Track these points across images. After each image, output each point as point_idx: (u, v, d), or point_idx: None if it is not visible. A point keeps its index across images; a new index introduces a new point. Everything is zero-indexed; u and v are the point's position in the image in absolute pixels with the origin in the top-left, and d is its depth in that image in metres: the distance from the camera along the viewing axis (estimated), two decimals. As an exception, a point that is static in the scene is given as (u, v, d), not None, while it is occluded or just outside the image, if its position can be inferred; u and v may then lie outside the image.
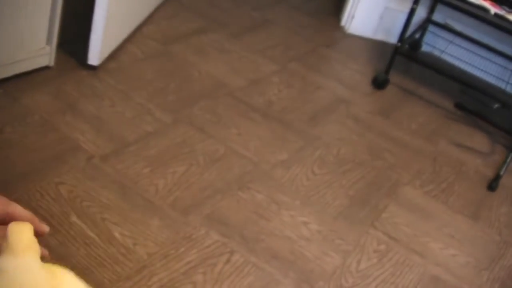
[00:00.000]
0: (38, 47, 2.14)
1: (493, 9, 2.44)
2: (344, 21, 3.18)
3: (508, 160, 2.37)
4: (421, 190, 2.18)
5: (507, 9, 2.46)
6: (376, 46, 3.13)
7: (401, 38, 2.65)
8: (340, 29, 3.21)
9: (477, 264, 1.92)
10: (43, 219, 1.62)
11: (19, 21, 1.98)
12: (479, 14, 2.48)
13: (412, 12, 2.61)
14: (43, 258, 0.72)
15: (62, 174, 1.80)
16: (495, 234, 2.07)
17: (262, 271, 1.66)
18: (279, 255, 1.73)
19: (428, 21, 3.02)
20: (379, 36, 3.15)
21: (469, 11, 2.49)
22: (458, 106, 2.72)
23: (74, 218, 1.68)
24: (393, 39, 3.02)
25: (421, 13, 2.92)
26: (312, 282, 1.68)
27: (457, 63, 2.91)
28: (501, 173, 2.31)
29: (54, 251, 1.56)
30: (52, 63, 2.22)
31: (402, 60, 2.80)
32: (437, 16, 3.03)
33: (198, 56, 2.58)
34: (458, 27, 3.00)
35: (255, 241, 1.74)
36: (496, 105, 2.49)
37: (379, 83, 2.72)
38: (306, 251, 1.77)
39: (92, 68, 2.28)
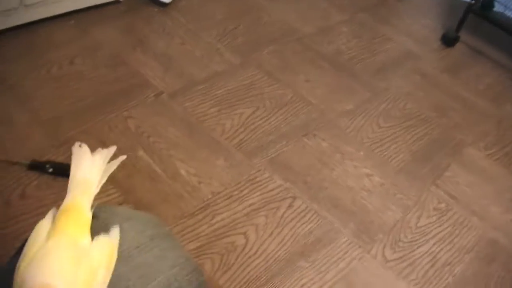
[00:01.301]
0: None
1: None
2: (417, -27, 3.10)
3: None
4: (484, 152, 2.15)
5: None
6: (447, 2, 3.06)
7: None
8: (412, -18, 3.14)
9: (537, 230, 1.90)
10: (112, 150, 1.65)
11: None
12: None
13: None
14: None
15: (130, 108, 1.83)
16: (558, 202, 2.04)
17: (323, 219, 1.68)
18: (341, 204, 1.73)
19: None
20: (452, -8, 3.08)
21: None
22: (529, 69, 2.66)
23: (141, 153, 1.71)
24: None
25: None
26: (371, 234, 1.69)
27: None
28: None
29: (120, 184, 1.60)
30: (123, -3, 2.23)
31: (473, 19, 2.73)
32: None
33: (268, 0, 2.55)
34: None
35: (317, 189, 1.75)
36: None
37: (448, 40, 2.67)
38: (368, 203, 1.77)
39: (163, 5, 2.28)
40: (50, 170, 1.58)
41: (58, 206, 0.69)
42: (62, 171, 1.58)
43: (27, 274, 0.55)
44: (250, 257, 1.54)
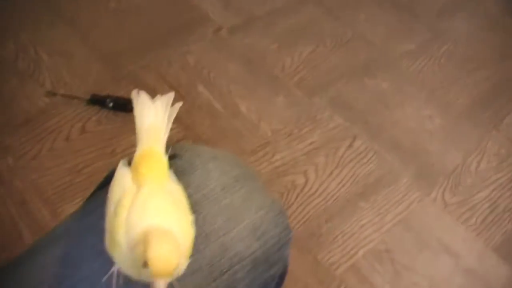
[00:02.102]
0: None
1: None
2: None
3: None
4: (548, 97, 2.09)
5: None
6: None
7: None
8: None
9: None
10: (171, 87, 1.65)
11: None
12: None
13: None
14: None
15: (189, 43, 1.81)
16: None
17: (383, 161, 1.66)
18: (401, 145, 1.71)
19: None
20: None
21: None
22: None
23: (201, 88, 1.70)
24: None
25: None
26: (431, 177, 1.67)
27: None
28: None
29: (180, 120, 1.60)
30: None
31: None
32: None
33: None
34: None
35: (378, 129, 1.73)
36: None
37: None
38: (428, 145, 1.74)
39: None
40: (110, 104, 1.58)
41: (127, 157, 0.68)
42: (123, 105, 1.58)
43: (132, 221, 0.54)
44: (310, 196, 1.54)
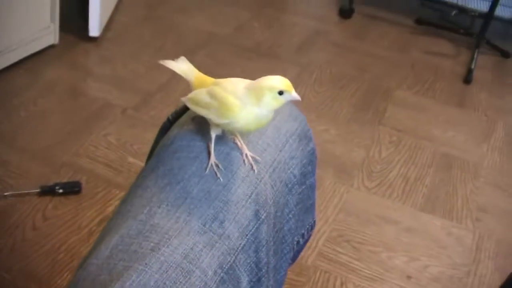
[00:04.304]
0: (43, 26, 2.30)
1: None
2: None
3: (475, 55, 2.67)
4: (410, 91, 2.46)
5: None
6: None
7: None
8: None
9: (474, 139, 2.22)
10: (105, 165, 1.82)
11: (25, 2, 2.16)
12: None
13: None
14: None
15: (105, 127, 2.00)
16: (482, 115, 2.38)
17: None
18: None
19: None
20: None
21: None
22: (419, 21, 3.02)
23: (131, 159, 1.88)
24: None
25: None
26: (348, 172, 1.94)
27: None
28: (472, 67, 2.61)
29: (125, 190, 1.76)
30: (57, 41, 2.38)
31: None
32: None
33: (182, 15, 2.78)
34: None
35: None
36: (454, 12, 2.79)
37: (345, 13, 2.99)
38: (334, 151, 2.02)
39: (94, 39, 2.46)
40: (60, 190, 1.73)
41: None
42: (71, 188, 1.73)
43: (237, 87, 0.75)
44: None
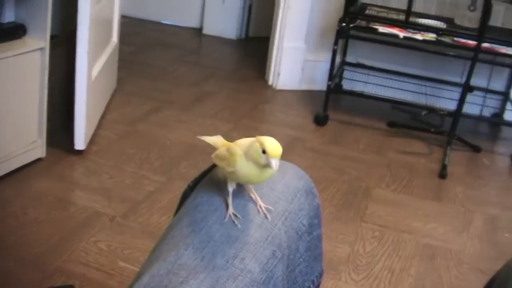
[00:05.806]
0: (31, 140, 2.38)
1: (402, 34, 2.91)
2: (271, 80, 3.60)
3: (448, 152, 2.79)
4: (388, 189, 2.55)
5: (412, 31, 2.95)
6: (304, 94, 3.56)
7: (330, 77, 3.08)
8: (270, 87, 3.63)
9: (454, 229, 2.29)
10: (96, 269, 1.86)
11: (13, 117, 2.25)
12: (390, 41, 2.95)
13: (334, 53, 3.04)
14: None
15: (95, 234, 2.04)
16: (459, 207, 2.47)
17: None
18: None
19: (343, 63, 3.47)
20: (304, 86, 3.59)
21: (383, 40, 2.95)
22: (390, 124, 3.15)
23: (122, 263, 1.92)
24: (316, 86, 3.47)
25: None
26: (335, 268, 1.98)
27: (378, 91, 3.35)
28: (446, 163, 2.72)
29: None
30: (44, 154, 2.46)
31: (333, 98, 3.22)
32: (349, 58, 3.49)
33: (162, 129, 2.89)
34: (369, 63, 3.48)
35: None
36: (424, 112, 2.93)
37: (320, 120, 3.12)
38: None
39: (80, 152, 2.54)
40: (54, 295, 1.75)
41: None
42: (65, 292, 1.76)
43: (243, 143, 0.87)
44: None
